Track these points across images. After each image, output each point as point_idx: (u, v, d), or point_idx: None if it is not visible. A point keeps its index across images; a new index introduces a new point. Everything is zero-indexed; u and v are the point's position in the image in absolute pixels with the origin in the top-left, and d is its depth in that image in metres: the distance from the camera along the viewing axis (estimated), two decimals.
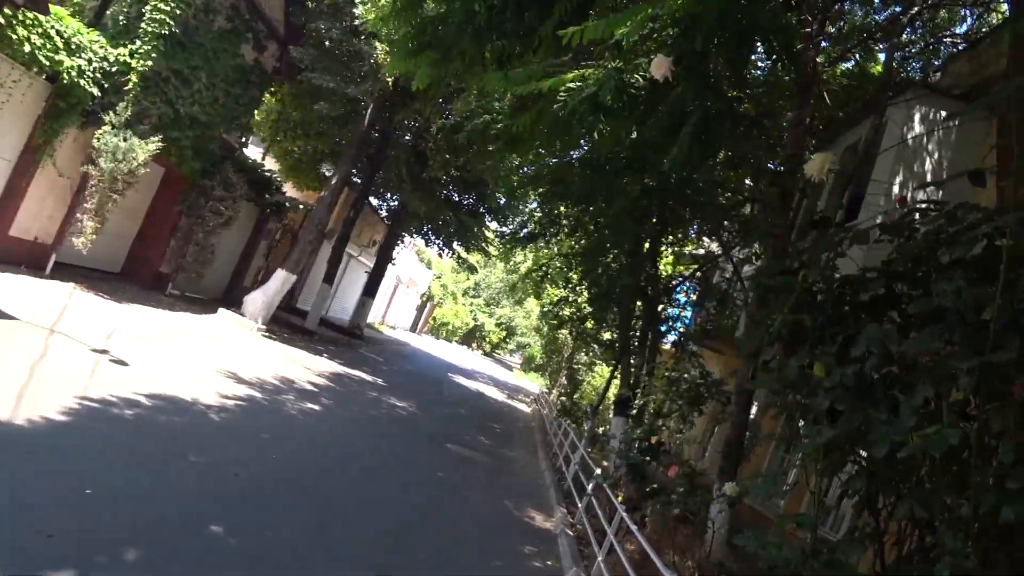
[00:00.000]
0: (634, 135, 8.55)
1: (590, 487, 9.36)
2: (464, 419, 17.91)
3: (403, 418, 14.19)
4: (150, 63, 14.38)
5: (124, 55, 14.18)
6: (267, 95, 21.90)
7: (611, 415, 15.20)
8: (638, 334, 14.75)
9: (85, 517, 4.77)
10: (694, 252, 17.74)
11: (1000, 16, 12.53)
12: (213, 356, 12.32)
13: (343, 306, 35.80)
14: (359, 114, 20.52)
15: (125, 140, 13.87)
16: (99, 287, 14.50)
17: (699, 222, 12.93)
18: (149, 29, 14.30)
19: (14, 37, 11.83)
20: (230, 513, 5.75)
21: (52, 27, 12.58)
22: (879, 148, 10.96)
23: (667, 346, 17.07)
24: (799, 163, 10.13)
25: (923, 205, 3.11)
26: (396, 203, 30.69)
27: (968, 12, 13.50)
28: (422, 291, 61.99)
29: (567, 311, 20.48)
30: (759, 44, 5.26)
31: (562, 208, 14.12)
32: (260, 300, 19.06)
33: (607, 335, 17.80)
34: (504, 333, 72.01)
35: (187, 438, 7.29)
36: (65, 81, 13.01)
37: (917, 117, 11.78)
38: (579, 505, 10.01)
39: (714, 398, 8.39)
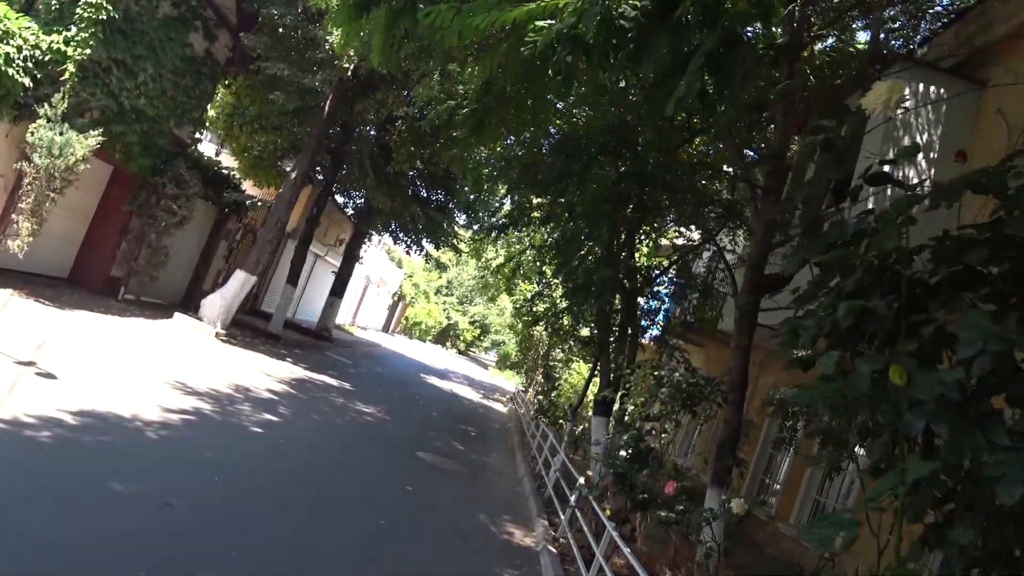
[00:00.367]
0: (621, 84, 7.70)
1: (573, 498, 8.58)
2: (437, 423, 17.04)
3: (370, 425, 13.31)
4: (88, 52, 13.33)
5: (58, 43, 13.12)
6: (221, 88, 20.86)
7: (591, 415, 14.43)
8: (617, 330, 13.99)
9: None
10: (673, 242, 17.03)
11: None
12: (162, 365, 11.36)
13: (311, 308, 34.72)
14: (318, 106, 19.56)
15: (61, 134, 12.84)
16: (41, 293, 13.45)
17: (679, 208, 12.17)
18: (85, 15, 13.24)
19: None
20: (148, 557, 4.85)
21: None
22: (865, 127, 10.26)
23: (646, 341, 16.36)
24: (788, 139, 9.43)
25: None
26: (362, 200, 29.71)
27: None
28: (393, 291, 60.89)
29: (541, 307, 19.66)
30: None
31: (533, 199, 13.30)
32: (218, 303, 18.06)
33: (584, 331, 17.01)
34: (478, 331, 71.10)
35: (114, 462, 6.37)
36: None
37: (906, 91, 11.13)
38: (562, 517, 9.22)
39: (710, 399, 7.62)
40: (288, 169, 19.93)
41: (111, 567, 4.57)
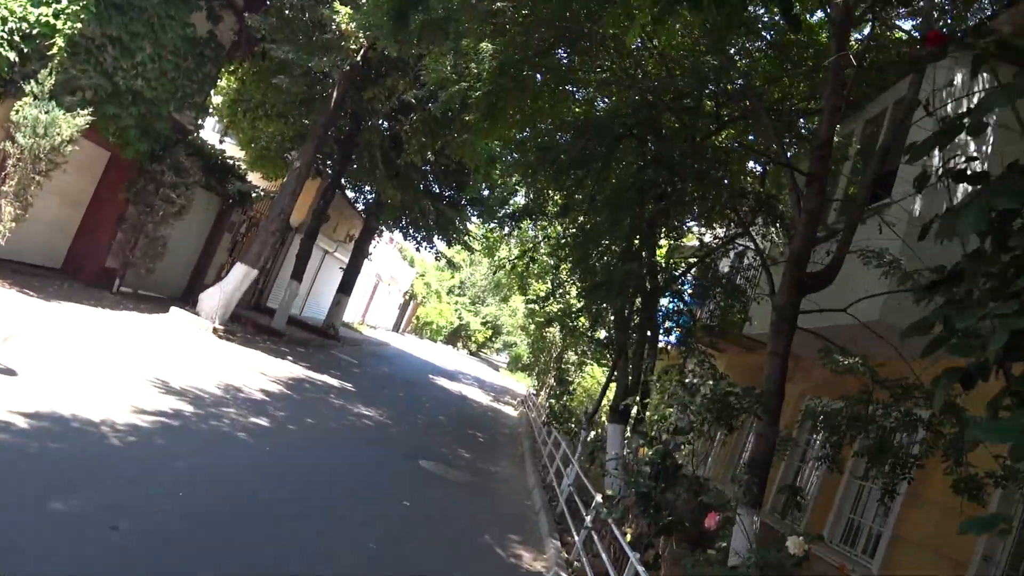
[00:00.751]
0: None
1: (589, 518, 7.65)
2: (443, 428, 16.14)
3: (370, 430, 12.40)
4: (79, 26, 12.49)
5: (47, 15, 12.28)
6: (226, 73, 20.07)
7: (606, 423, 13.48)
8: (635, 333, 13.06)
9: None
10: (700, 238, 16.06)
11: None
12: (147, 362, 10.49)
13: (319, 306, 33.90)
14: (326, 94, 18.72)
15: (47, 112, 12.03)
16: (28, 284, 12.67)
17: (706, 201, 11.15)
18: None
19: None
20: None
21: None
22: (911, 118, 9.28)
23: (664, 346, 15.38)
24: (835, 121, 8.47)
25: None
26: (372, 195, 28.89)
27: None
28: (405, 289, 60.07)
29: (554, 307, 18.67)
30: None
31: (549, 191, 12.26)
32: (217, 297, 17.22)
33: (600, 333, 16.04)
34: (490, 332, 70.19)
35: (61, 474, 5.47)
36: None
37: (958, 79, 10.19)
38: (576, 537, 8.28)
39: (751, 412, 6.67)
40: (293, 158, 19.02)
41: None
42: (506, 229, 17.91)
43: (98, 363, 9.32)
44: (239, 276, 17.58)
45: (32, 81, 12.08)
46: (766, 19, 11.09)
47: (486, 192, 24.21)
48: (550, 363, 30.59)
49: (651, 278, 11.01)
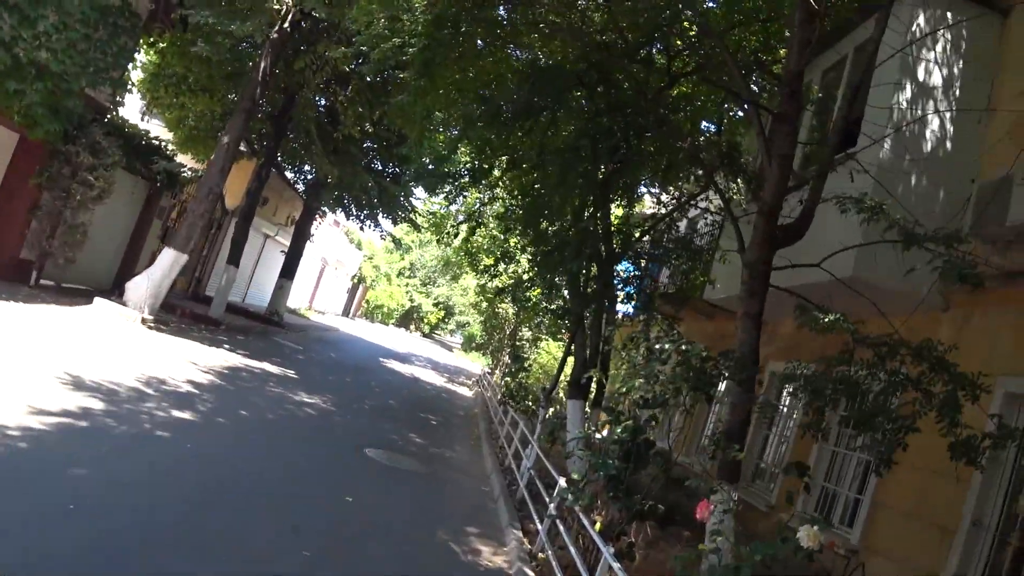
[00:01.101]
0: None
1: (553, 506, 6.90)
2: (393, 412, 15.26)
3: (312, 419, 11.46)
4: None
5: None
6: (145, 46, 18.70)
7: (565, 399, 12.79)
8: (591, 302, 12.34)
9: None
10: (647, 212, 15.38)
11: None
12: (59, 357, 9.37)
13: (262, 292, 32.62)
14: (253, 64, 17.52)
15: None
16: None
17: (668, 154, 10.41)
18: None
19: None
20: None
21: None
22: (875, 60, 8.67)
23: (619, 316, 14.73)
24: (805, 56, 7.80)
25: None
26: (312, 175, 27.68)
27: None
28: (353, 273, 58.75)
29: (504, 279, 17.83)
30: None
31: (492, 147, 11.32)
32: (144, 286, 16.02)
33: (554, 304, 15.29)
34: (442, 313, 69.27)
35: None
36: None
37: (921, 20, 9.63)
38: (539, 526, 7.54)
39: (734, 378, 5.95)
40: (221, 134, 17.81)
41: None
42: (450, 197, 16.96)
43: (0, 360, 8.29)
44: (168, 262, 16.40)
45: None
46: None
47: (431, 166, 23.25)
48: (504, 340, 29.93)
49: (607, 242, 10.26)
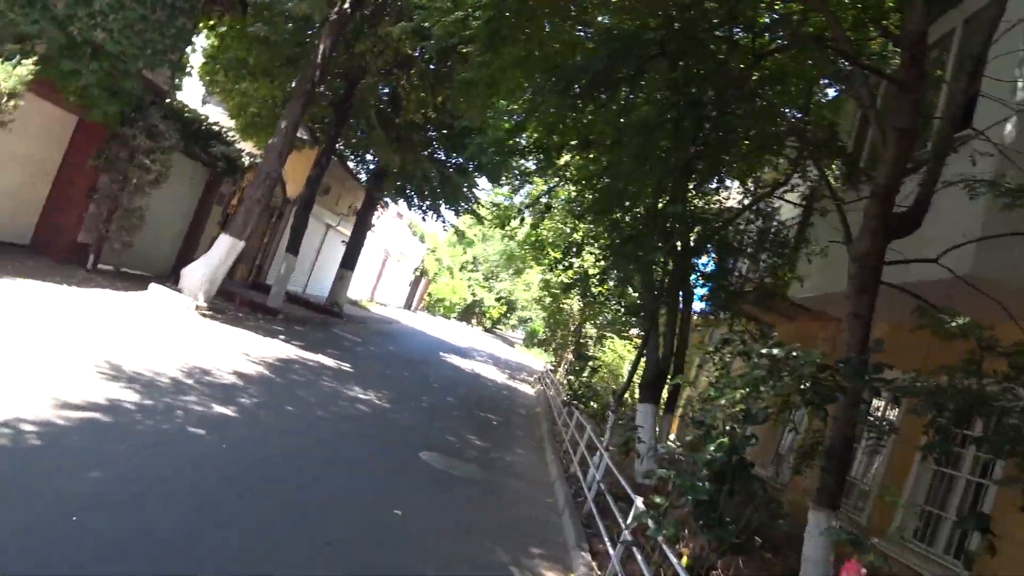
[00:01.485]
0: None
1: (628, 532, 6.00)
2: (451, 411, 14.50)
3: (364, 416, 10.72)
4: None
5: None
6: (206, 30, 18.34)
7: (637, 402, 11.85)
8: (665, 298, 11.35)
9: None
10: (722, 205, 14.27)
11: None
12: (103, 344, 8.82)
13: (324, 283, 32.32)
14: (313, 47, 16.96)
15: None
16: None
17: (759, 133, 9.30)
18: None
19: None
20: None
21: None
22: (996, 29, 7.52)
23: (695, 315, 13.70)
24: (931, 12, 6.74)
25: None
26: (374, 164, 27.18)
27: None
28: (415, 266, 58.47)
29: (570, 274, 16.82)
30: None
31: (563, 123, 10.31)
32: (200, 273, 15.62)
33: (625, 300, 14.28)
34: (504, 308, 68.63)
35: None
36: None
37: None
38: (610, 549, 6.62)
39: (870, 388, 4.94)
40: (279, 119, 17.28)
41: None
42: (514, 186, 16.09)
43: (35, 345, 7.73)
44: (224, 249, 15.97)
45: None
46: None
47: (493, 150, 22.41)
48: (568, 337, 29.02)
49: (683, 233, 9.30)
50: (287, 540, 5.28)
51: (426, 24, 11.28)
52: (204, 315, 14.82)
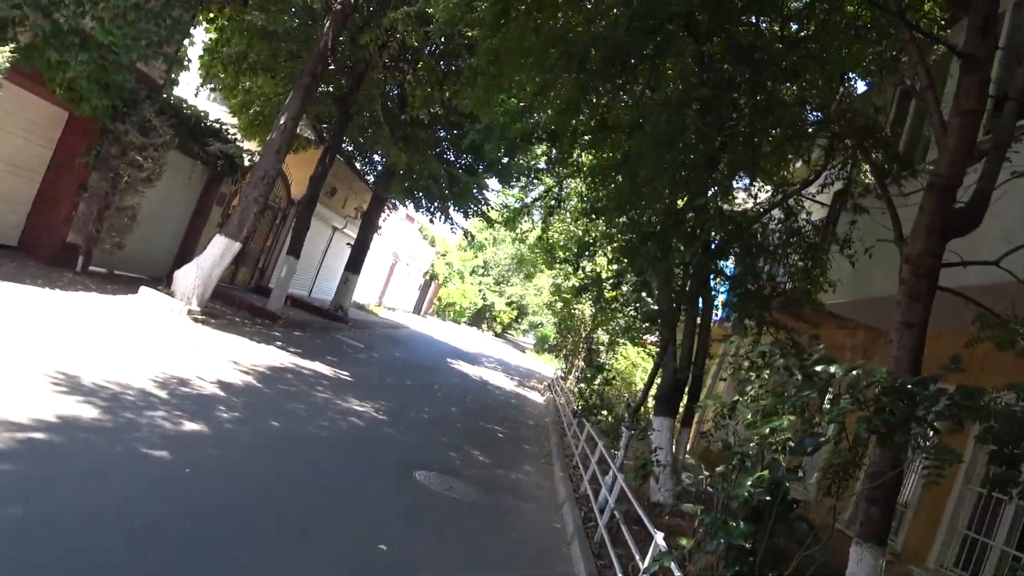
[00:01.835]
0: None
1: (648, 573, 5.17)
2: (454, 423, 13.67)
3: (357, 432, 9.87)
4: None
5: None
6: (204, 22, 17.62)
7: (652, 416, 10.99)
8: (684, 304, 10.50)
9: None
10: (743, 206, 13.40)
11: None
12: (69, 353, 8.04)
13: (330, 286, 31.61)
14: (315, 39, 16.21)
15: None
16: None
17: (796, 119, 8.45)
18: None
19: None
20: None
21: None
22: None
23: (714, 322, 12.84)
24: None
25: None
26: (381, 164, 26.45)
27: None
28: (425, 270, 57.76)
29: (580, 277, 15.93)
30: None
31: (576, 107, 9.42)
32: (193, 275, 14.87)
33: (641, 306, 13.39)
34: (515, 313, 67.78)
35: None
36: None
37: None
38: None
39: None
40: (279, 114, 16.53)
41: None
42: (524, 188, 15.30)
43: None
44: (218, 250, 15.22)
45: None
46: None
47: (505, 159, 21.60)
48: (579, 343, 28.18)
49: (714, 228, 8.47)
50: None
51: (430, 9, 10.49)
52: (196, 320, 14.08)
